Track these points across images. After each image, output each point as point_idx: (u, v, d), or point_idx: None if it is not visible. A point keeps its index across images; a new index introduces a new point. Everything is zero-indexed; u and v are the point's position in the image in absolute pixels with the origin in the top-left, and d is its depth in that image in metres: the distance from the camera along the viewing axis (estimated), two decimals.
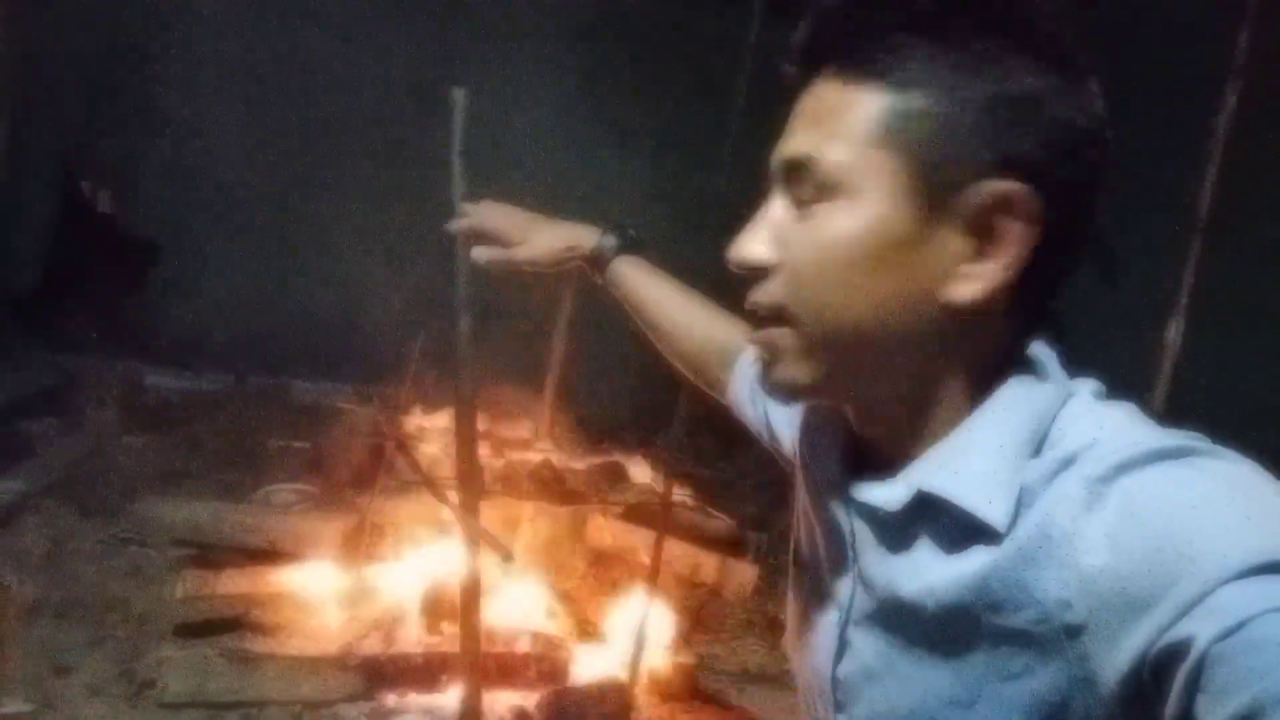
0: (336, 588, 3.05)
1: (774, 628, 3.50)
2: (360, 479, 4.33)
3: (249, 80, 5.41)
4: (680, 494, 2.69)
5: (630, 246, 1.47)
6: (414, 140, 5.23)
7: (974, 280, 0.80)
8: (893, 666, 0.87)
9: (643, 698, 2.75)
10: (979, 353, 0.83)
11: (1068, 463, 0.77)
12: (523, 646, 2.77)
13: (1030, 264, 0.78)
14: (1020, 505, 0.77)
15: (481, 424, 3.58)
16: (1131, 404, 0.82)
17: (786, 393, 0.86)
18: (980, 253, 0.80)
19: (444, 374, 3.89)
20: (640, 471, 3.42)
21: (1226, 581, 0.61)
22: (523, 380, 3.66)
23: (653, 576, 2.68)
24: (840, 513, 0.92)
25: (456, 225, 1.65)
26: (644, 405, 4.20)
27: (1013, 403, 0.82)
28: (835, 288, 0.80)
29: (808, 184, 0.81)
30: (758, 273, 0.83)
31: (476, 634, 2.43)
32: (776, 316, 0.82)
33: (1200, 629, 0.60)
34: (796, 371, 0.83)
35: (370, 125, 5.35)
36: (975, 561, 0.78)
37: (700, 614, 3.43)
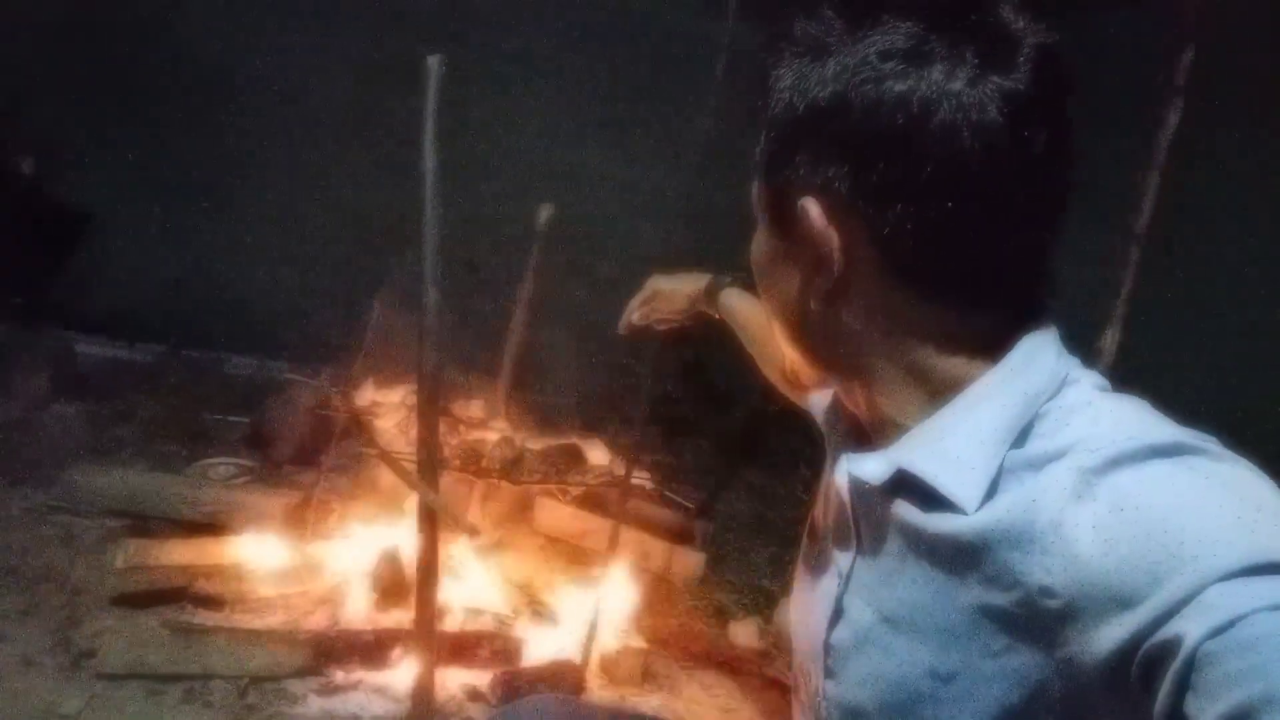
0: (282, 562, 2.99)
1: (720, 614, 3.53)
2: (303, 455, 4.25)
3: (184, 47, 5.24)
4: (639, 478, 2.68)
5: (738, 283, 1.69)
6: (366, 113, 5.15)
7: (820, 283, 0.87)
8: (880, 636, 0.90)
9: (593, 679, 2.75)
10: (912, 342, 0.86)
11: (1061, 452, 0.78)
12: (475, 626, 2.75)
13: (879, 254, 0.82)
14: (998, 489, 0.80)
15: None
16: (1139, 398, 0.83)
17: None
18: (815, 260, 0.86)
19: (401, 349, 3.85)
20: (597, 455, 3.42)
21: (1216, 581, 0.62)
22: (478, 359, 3.62)
23: (608, 561, 2.69)
24: (843, 486, 0.96)
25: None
26: (600, 390, 4.21)
27: (995, 390, 0.83)
28: (764, 294, 0.97)
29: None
30: None
31: (432, 612, 2.42)
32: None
33: (1190, 628, 0.61)
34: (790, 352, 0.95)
35: (319, 98, 5.22)
36: (962, 542, 0.80)
37: (649, 599, 3.45)
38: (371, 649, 2.57)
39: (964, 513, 0.79)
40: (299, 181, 5.29)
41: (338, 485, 3.61)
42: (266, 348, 5.45)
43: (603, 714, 1.38)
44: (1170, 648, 0.62)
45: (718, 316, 1.69)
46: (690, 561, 3.69)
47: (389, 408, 3.22)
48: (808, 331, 0.92)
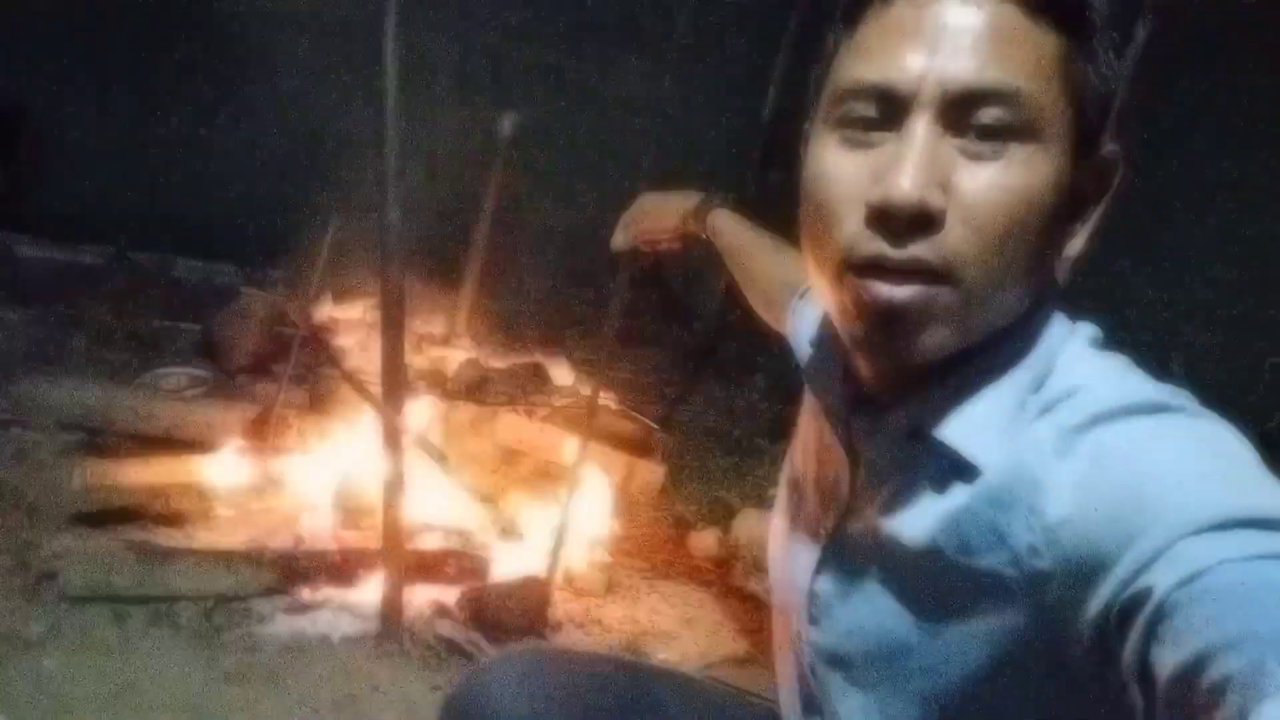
0: (244, 480, 2.96)
1: (680, 526, 3.59)
2: (257, 365, 4.18)
3: None
4: (605, 398, 2.68)
5: (729, 204, 1.61)
6: (318, 6, 4.92)
7: (1079, 239, 0.83)
8: (865, 589, 0.92)
9: (559, 594, 2.80)
10: (1048, 290, 0.84)
11: (1045, 409, 0.79)
12: (442, 543, 2.77)
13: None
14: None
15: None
16: (1124, 355, 0.84)
17: (915, 359, 0.79)
18: (1077, 209, 0.81)
19: (359, 262, 3.76)
20: (562, 373, 3.41)
21: (1186, 536, 0.63)
22: (438, 274, 3.56)
23: (575, 477, 2.70)
24: (839, 441, 0.95)
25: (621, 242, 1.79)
26: (564, 305, 4.16)
27: (1028, 346, 0.83)
28: (1018, 241, 0.75)
29: (1001, 121, 0.74)
30: (923, 222, 0.74)
31: (399, 534, 2.43)
32: (938, 271, 0.75)
33: (1159, 579, 0.62)
34: (941, 336, 0.78)
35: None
36: (955, 501, 0.81)
37: (611, 512, 3.49)
38: (338, 568, 2.58)
39: (970, 478, 0.79)
40: (248, 79, 5.08)
41: (296, 399, 3.56)
42: (215, 251, 5.30)
43: (592, 664, 1.38)
44: (1140, 599, 0.63)
45: (705, 237, 1.64)
46: (651, 474, 3.72)
47: (349, 324, 3.16)
48: (1023, 295, 0.80)
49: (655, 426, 3.00)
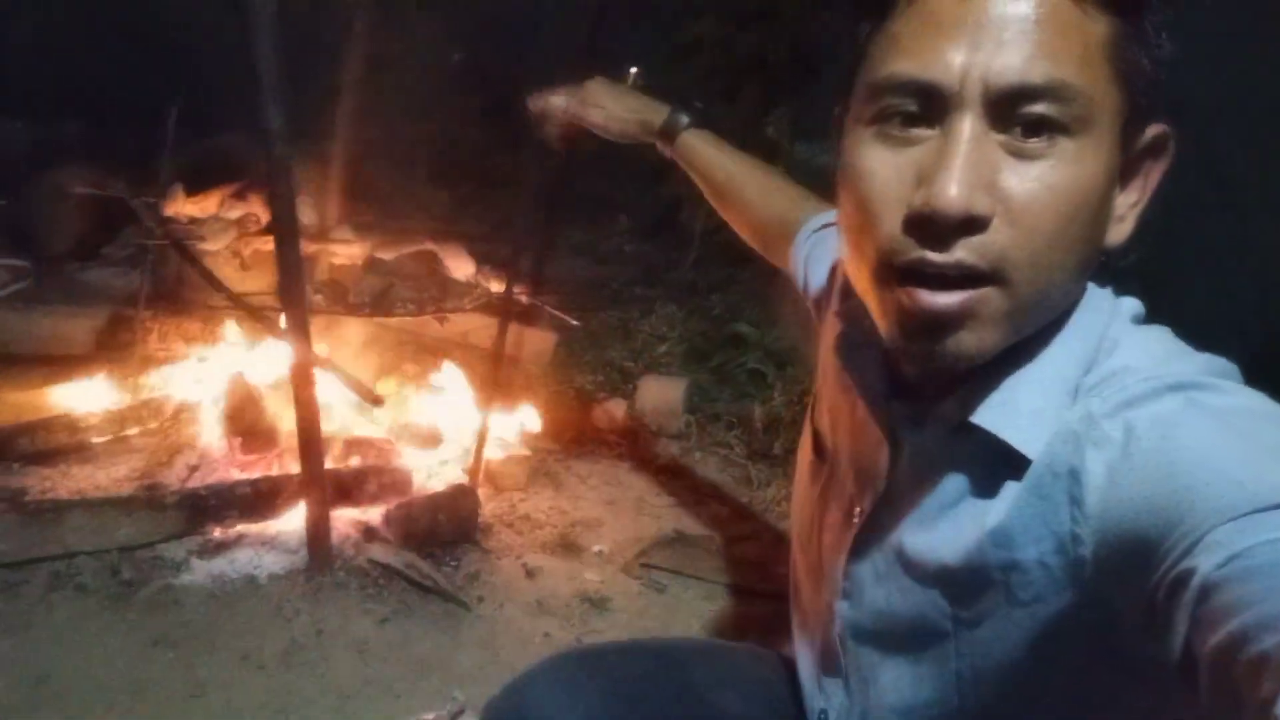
0: (115, 402, 2.67)
1: (581, 398, 3.54)
2: (83, 251, 3.72)
3: None
4: (518, 293, 2.52)
5: (698, 121, 1.49)
6: None
7: (1126, 223, 0.79)
8: (902, 575, 0.91)
9: (482, 493, 2.72)
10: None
11: (1085, 394, 0.78)
12: (359, 460, 2.61)
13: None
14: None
15: (256, 208, 3.13)
16: (1165, 328, 0.83)
17: (960, 364, 0.76)
18: (1125, 194, 0.78)
19: (206, 147, 3.32)
20: (457, 262, 3.16)
21: (1224, 521, 0.63)
22: (305, 155, 3.18)
23: (494, 378, 2.57)
24: (879, 425, 0.93)
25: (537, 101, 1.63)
26: (442, 176, 3.84)
27: (1074, 331, 0.81)
28: (1070, 240, 0.72)
29: (1049, 115, 0.69)
30: (969, 226, 0.71)
31: (318, 457, 2.26)
32: (985, 274, 0.72)
33: (1199, 563, 0.63)
34: (988, 340, 0.75)
35: None
36: (1002, 494, 0.79)
37: (508, 387, 3.39)
38: (250, 500, 2.40)
39: (1018, 469, 0.78)
40: None
41: (144, 290, 3.19)
42: (11, 110, 4.56)
43: (625, 656, 1.34)
44: (1181, 583, 0.64)
45: (669, 155, 1.56)
46: (542, 341, 3.62)
47: (210, 225, 2.80)
48: (1071, 292, 0.79)
49: (573, 321, 2.86)
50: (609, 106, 1.59)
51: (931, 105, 0.72)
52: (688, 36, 4.78)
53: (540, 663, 1.28)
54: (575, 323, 2.80)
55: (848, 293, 1.01)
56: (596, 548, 2.65)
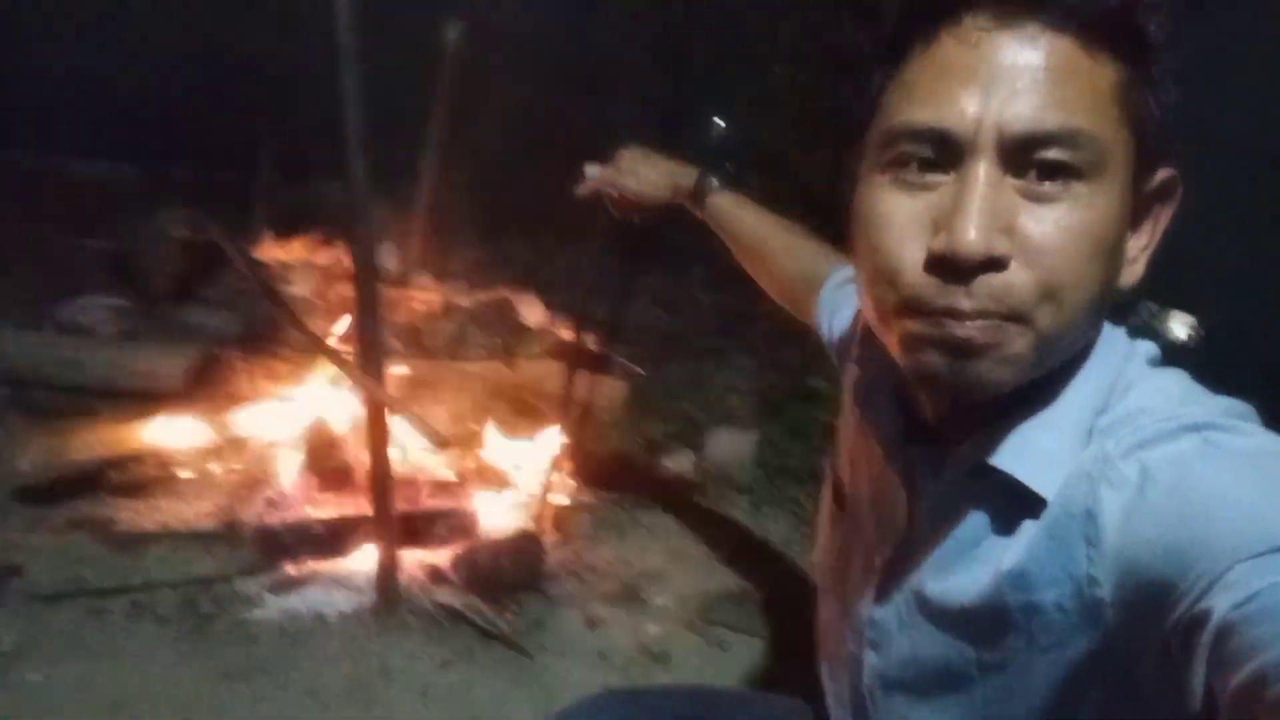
0: (201, 439, 2.78)
1: (650, 449, 3.56)
2: (182, 291, 3.89)
3: None
4: (588, 342, 2.56)
5: (728, 183, 1.54)
6: None
7: (1137, 265, 0.80)
8: (925, 623, 0.90)
9: (548, 540, 2.74)
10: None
11: (1099, 435, 0.78)
12: (428, 502, 2.66)
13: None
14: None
15: (342, 254, 3.24)
16: (1181, 371, 0.83)
17: (983, 393, 0.76)
18: (1136, 237, 0.79)
19: (297, 191, 3.46)
20: (532, 310, 3.24)
21: (1240, 561, 0.62)
22: (391, 203, 3.30)
23: (561, 420, 2.60)
24: (897, 471, 0.93)
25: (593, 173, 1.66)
26: (523, 229, 3.93)
27: (1087, 378, 0.81)
28: (1088, 281, 0.73)
29: (1063, 160, 0.70)
30: (990, 267, 0.71)
31: (389, 499, 2.31)
32: (1006, 315, 0.72)
33: (1217, 603, 0.62)
34: (1009, 371, 0.75)
35: None
36: (1019, 537, 0.79)
37: (578, 435, 3.42)
38: (323, 539, 2.46)
39: (1035, 510, 0.78)
40: None
41: (231, 329, 3.32)
42: (108, 150, 4.83)
43: (664, 700, 1.37)
44: (1199, 623, 0.63)
45: (700, 217, 1.61)
46: (612, 391, 3.65)
47: (297, 270, 2.92)
48: (1088, 330, 0.79)
49: (639, 371, 2.89)
50: (641, 172, 1.63)
51: (947, 151, 0.73)
52: (769, 86, 4.83)
53: (583, 700, 1.31)
54: (641, 372, 2.82)
55: (867, 339, 1.03)
56: (660, 600, 2.65)
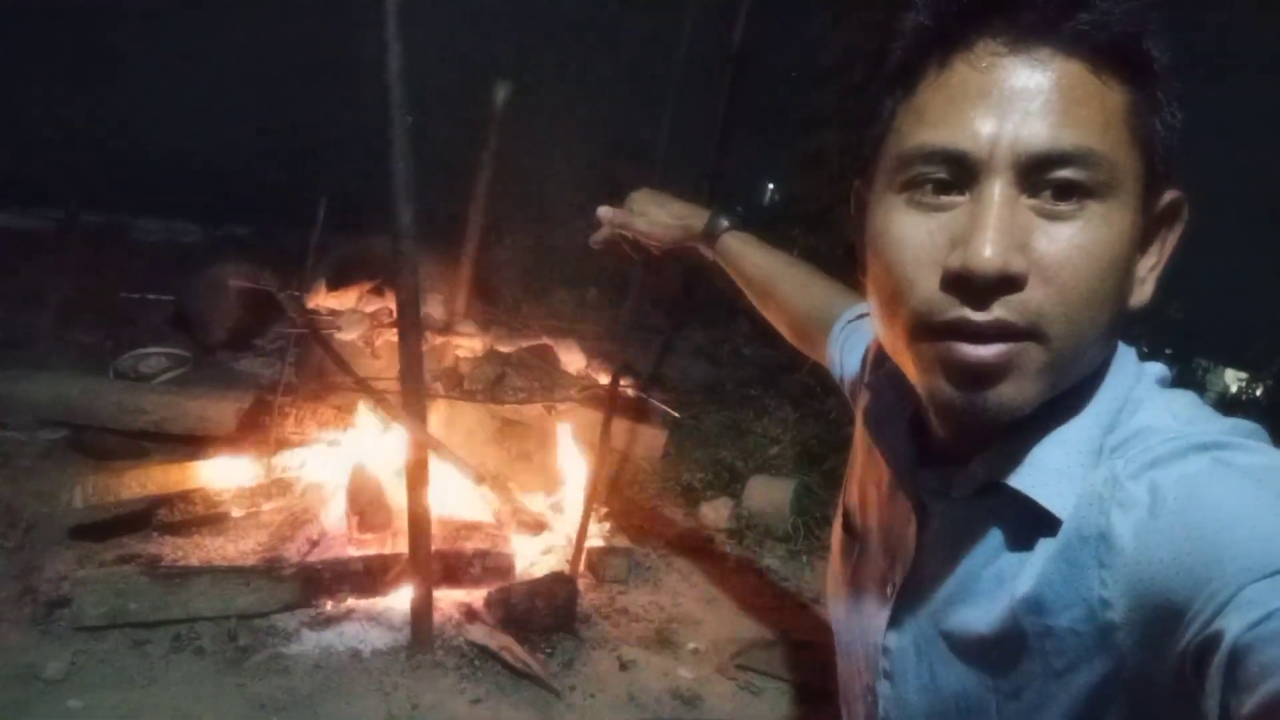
0: (249, 480, 2.86)
1: (689, 493, 3.57)
2: (238, 339, 4.03)
3: None
4: (625, 385, 2.60)
5: (738, 224, 1.53)
6: None
7: (1147, 286, 0.80)
8: (939, 649, 0.89)
9: (581, 583, 2.76)
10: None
11: (1109, 454, 0.77)
12: (465, 543, 2.70)
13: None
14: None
15: (389, 302, 3.34)
16: (1190, 392, 0.82)
17: (1001, 417, 0.76)
18: (1145, 258, 0.79)
19: (348, 246, 3.59)
20: (571, 356, 3.30)
21: (1254, 581, 0.61)
22: (435, 253, 3.40)
23: (596, 464, 2.63)
24: (907, 495, 0.92)
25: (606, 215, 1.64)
26: (564, 281, 4.03)
27: (1097, 397, 0.81)
28: (1102, 298, 0.74)
29: (1076, 180, 0.71)
30: (1006, 286, 0.72)
31: (426, 539, 2.35)
32: (1023, 331, 0.73)
33: (1230, 624, 0.61)
34: (1029, 392, 0.75)
35: None
36: (1032, 558, 0.78)
37: (616, 481, 3.45)
38: (361, 577, 2.51)
39: (1049, 530, 0.77)
40: (194, 18, 4.77)
41: (285, 377, 3.43)
42: (174, 209, 5.07)
43: None
44: (1213, 645, 0.62)
45: (711, 258, 1.59)
46: (653, 439, 3.68)
47: (347, 317, 3.02)
48: (1103, 348, 0.79)
49: (675, 413, 2.92)
50: (652, 213, 1.62)
51: (962, 172, 0.74)
52: (813, 145, 4.91)
53: None
54: (675, 413, 2.84)
55: (877, 364, 1.04)
56: (693, 645, 2.64)
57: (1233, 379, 4.97)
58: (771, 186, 5.18)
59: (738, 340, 5.31)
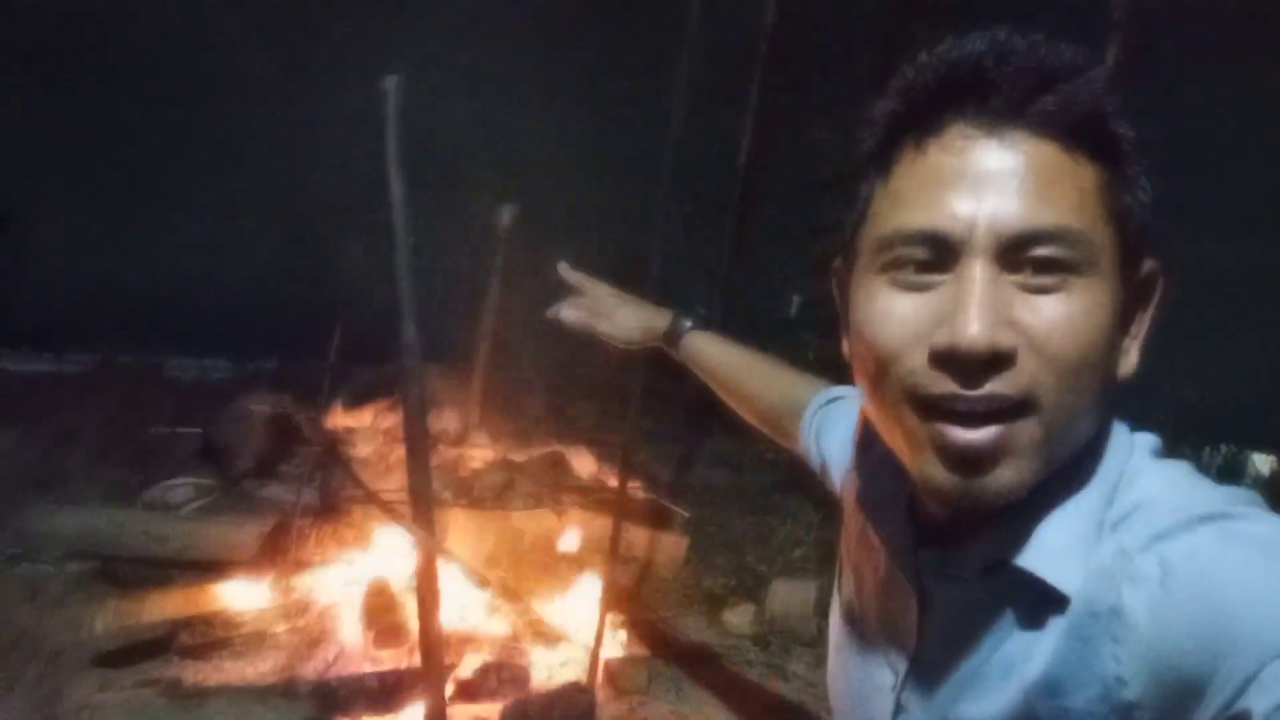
0: (265, 600, 2.88)
1: (711, 602, 3.53)
2: (263, 468, 4.10)
3: (97, 40, 4.89)
4: (634, 487, 2.63)
5: (700, 324, 1.55)
6: (298, 92, 4.87)
7: (1130, 356, 0.81)
8: None
9: (601, 694, 2.72)
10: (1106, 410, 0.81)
11: (1115, 527, 0.76)
12: (480, 655, 2.69)
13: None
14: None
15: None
16: (1185, 462, 0.82)
17: (999, 501, 0.75)
18: (1128, 327, 0.80)
19: (366, 365, 3.70)
20: (582, 462, 3.35)
21: (1275, 658, 0.61)
22: (447, 366, 3.50)
23: (610, 570, 2.64)
24: (906, 579, 0.91)
25: (559, 309, 1.64)
26: (575, 392, 4.10)
27: (1093, 471, 0.80)
28: (1092, 366, 0.74)
29: (1056, 256, 0.72)
30: (996, 362, 0.72)
31: (439, 653, 2.35)
32: (1016, 403, 0.72)
33: (1255, 704, 0.60)
34: (1025, 473, 0.74)
35: (244, 80, 4.92)
36: (1041, 638, 0.77)
37: (636, 591, 3.42)
38: (376, 693, 2.50)
39: (1058, 609, 0.76)
40: (226, 168, 5.03)
41: (306, 502, 3.48)
42: (204, 348, 5.24)
43: None
44: None
45: (676, 359, 1.59)
46: (674, 547, 3.67)
47: (362, 433, 3.10)
48: (1094, 422, 0.78)
49: (686, 513, 2.93)
50: (616, 318, 1.61)
51: (943, 253, 0.74)
52: (828, 173, 5.00)
53: None
54: (686, 513, 2.85)
55: (865, 446, 1.03)
56: None
57: (1263, 463, 4.88)
58: (798, 298, 5.24)
59: (760, 445, 5.31)
